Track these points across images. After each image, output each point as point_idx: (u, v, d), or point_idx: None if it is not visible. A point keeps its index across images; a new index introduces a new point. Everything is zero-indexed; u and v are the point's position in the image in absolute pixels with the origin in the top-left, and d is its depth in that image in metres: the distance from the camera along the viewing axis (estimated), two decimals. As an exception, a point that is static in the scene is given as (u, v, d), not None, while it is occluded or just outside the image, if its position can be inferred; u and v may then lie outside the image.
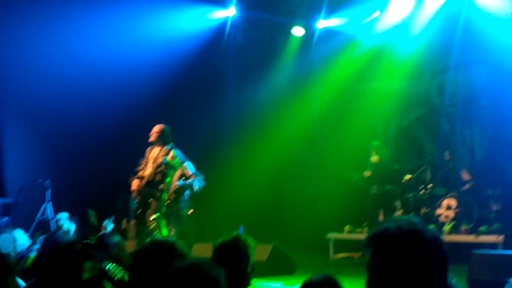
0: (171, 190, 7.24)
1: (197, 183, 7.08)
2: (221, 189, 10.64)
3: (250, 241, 2.90)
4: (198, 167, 8.47)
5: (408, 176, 9.30)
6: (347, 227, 9.50)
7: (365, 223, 9.17)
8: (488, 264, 4.49)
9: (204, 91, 10.69)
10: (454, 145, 9.70)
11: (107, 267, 3.45)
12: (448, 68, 9.85)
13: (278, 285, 5.90)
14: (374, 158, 8.99)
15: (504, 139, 8.75)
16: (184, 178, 6.97)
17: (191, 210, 10.73)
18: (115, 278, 3.27)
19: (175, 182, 7.09)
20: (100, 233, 4.45)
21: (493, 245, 8.06)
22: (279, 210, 11.13)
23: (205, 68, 10.49)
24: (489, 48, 9.03)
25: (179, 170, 6.88)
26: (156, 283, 1.21)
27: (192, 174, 7.02)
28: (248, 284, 2.87)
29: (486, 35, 8.78)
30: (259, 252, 6.67)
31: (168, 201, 6.80)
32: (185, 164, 7.02)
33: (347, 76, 10.31)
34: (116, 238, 3.67)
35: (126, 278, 3.14)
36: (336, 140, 10.32)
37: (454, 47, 9.63)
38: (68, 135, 9.52)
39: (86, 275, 2.89)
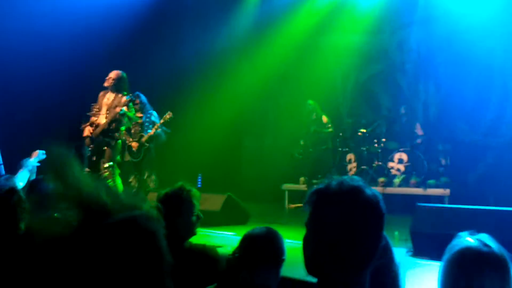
0: (145, 139, 7.26)
1: (163, 133, 7.11)
2: (178, 138, 10.57)
3: (195, 191, 2.92)
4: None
5: (363, 130, 9.49)
6: (302, 179, 9.71)
7: (320, 176, 9.38)
8: (430, 217, 4.68)
9: (162, 36, 10.39)
10: (409, 101, 9.89)
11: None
12: (408, 24, 9.89)
13: (230, 233, 6.01)
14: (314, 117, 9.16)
15: (457, 96, 8.97)
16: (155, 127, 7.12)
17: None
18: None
19: (153, 130, 7.14)
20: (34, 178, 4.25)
21: (440, 198, 8.44)
22: (237, 161, 11.20)
23: (163, 12, 10.16)
24: (448, 6, 9.10)
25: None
26: (91, 237, 1.17)
27: (157, 124, 7.09)
28: (194, 234, 2.90)
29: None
30: (213, 202, 6.76)
31: (140, 148, 6.87)
32: (151, 109, 7.01)
33: (307, 28, 10.20)
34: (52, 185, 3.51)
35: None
36: (294, 94, 10.33)
37: (415, 3, 9.65)
38: (17, 81, 9.13)
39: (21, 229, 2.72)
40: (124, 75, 6.71)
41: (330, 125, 9.30)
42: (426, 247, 4.59)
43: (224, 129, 10.44)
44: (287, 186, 9.86)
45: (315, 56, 10.16)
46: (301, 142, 9.57)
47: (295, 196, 9.56)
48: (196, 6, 10.67)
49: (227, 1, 10.63)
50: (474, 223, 4.51)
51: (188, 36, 10.75)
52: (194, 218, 2.91)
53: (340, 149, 9.73)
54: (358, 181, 1.41)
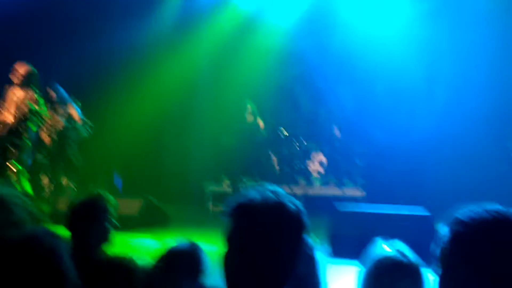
0: (57, 136, 6.76)
1: (84, 128, 6.68)
2: (98, 137, 10.13)
3: (110, 198, 2.82)
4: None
5: (284, 132, 9.62)
6: (226, 181, 9.64)
7: (244, 178, 9.39)
8: (347, 218, 4.81)
9: (87, 27, 9.89)
10: (328, 103, 10.15)
11: None
12: (325, 27, 10.14)
13: (149, 240, 5.83)
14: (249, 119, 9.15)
15: (373, 99, 9.32)
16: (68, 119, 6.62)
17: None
18: None
19: (60, 122, 6.66)
20: None
21: (356, 198, 8.75)
22: (159, 161, 10.92)
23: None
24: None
25: (61, 111, 6.45)
26: None
27: (79, 118, 6.62)
28: (109, 243, 2.78)
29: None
30: (131, 206, 6.52)
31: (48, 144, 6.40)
32: (71, 104, 6.58)
33: (230, 28, 10.18)
34: None
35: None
36: (215, 93, 10.25)
37: (331, 9, 9.91)
38: None
39: None
40: (34, 69, 6.30)
41: (264, 130, 9.30)
42: (344, 248, 4.70)
43: (145, 128, 10.14)
44: (211, 187, 9.77)
45: (238, 56, 10.15)
46: (226, 140, 9.40)
47: (219, 198, 9.50)
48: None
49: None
50: (388, 225, 4.73)
51: (114, 29, 10.29)
52: (109, 227, 2.80)
53: (262, 150, 9.77)
54: (282, 195, 1.37)
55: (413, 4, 8.96)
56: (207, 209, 9.39)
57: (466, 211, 1.18)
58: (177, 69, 10.12)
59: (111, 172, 10.20)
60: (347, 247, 4.72)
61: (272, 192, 1.37)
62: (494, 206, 1.17)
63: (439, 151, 8.54)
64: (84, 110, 7.41)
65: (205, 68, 10.35)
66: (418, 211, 4.91)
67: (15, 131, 6.16)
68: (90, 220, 2.69)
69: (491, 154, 8.26)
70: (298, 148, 9.48)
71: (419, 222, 4.57)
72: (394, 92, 9.24)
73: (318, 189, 8.98)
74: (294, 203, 1.38)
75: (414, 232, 4.51)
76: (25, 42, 8.67)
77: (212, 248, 2.65)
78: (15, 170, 6.08)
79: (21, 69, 6.26)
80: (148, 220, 6.52)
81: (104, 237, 2.80)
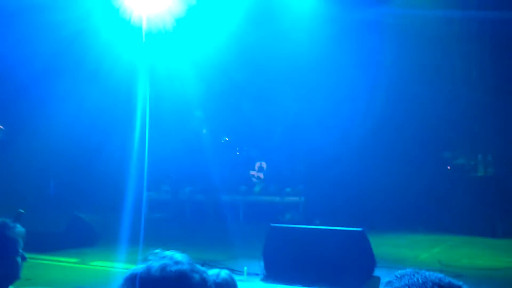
0: None
1: None
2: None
3: (19, 227, 2.49)
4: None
5: (225, 138, 9.42)
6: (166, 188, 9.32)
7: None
8: (282, 237, 4.68)
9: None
10: (267, 109, 9.98)
11: None
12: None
13: (72, 261, 5.42)
14: None
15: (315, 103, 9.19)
16: None
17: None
18: None
19: None
20: None
21: (296, 205, 8.68)
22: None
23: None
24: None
25: None
26: None
27: None
28: (18, 278, 2.46)
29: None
30: (55, 221, 6.08)
31: None
32: None
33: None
34: None
35: None
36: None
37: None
38: None
39: None
40: None
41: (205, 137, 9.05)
42: (278, 268, 4.57)
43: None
44: (150, 195, 9.43)
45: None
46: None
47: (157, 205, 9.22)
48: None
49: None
50: (323, 242, 4.64)
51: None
52: (19, 259, 2.47)
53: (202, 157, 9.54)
54: (183, 263, 1.21)
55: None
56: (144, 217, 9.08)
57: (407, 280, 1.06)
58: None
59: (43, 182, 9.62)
60: (282, 267, 4.59)
61: (172, 261, 1.21)
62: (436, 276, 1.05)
63: (376, 157, 8.59)
64: None
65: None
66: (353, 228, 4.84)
67: None
68: None
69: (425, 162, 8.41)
70: (239, 155, 9.32)
71: (352, 237, 4.51)
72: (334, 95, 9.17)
73: (259, 197, 8.85)
74: (198, 272, 1.23)
75: (347, 247, 4.44)
76: None
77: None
78: None
79: None
80: (74, 238, 6.04)
81: (14, 273, 2.49)
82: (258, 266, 4.67)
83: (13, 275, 2.49)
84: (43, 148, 9.11)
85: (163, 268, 1.18)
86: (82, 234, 6.12)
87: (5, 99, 8.82)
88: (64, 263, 5.30)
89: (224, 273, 2.18)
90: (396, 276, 1.07)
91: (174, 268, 1.19)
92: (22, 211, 4.67)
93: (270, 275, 4.57)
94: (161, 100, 9.02)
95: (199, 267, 1.26)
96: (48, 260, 5.28)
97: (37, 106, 9.16)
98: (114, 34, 7.94)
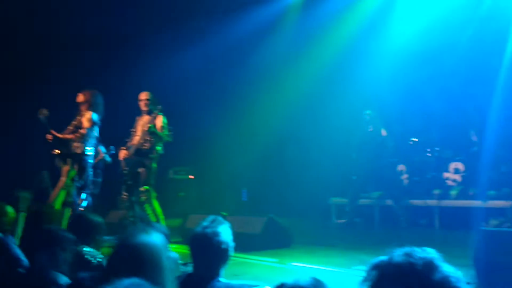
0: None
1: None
2: (221, 154, 10.35)
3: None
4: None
5: (414, 139, 8.93)
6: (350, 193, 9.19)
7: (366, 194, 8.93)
8: (496, 241, 4.15)
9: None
10: (462, 105, 9.18)
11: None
12: (458, 22, 9.17)
13: (271, 260, 5.62)
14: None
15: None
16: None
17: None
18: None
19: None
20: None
21: (502, 210, 7.74)
22: (281, 174, 10.81)
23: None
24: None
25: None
26: None
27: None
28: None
29: None
30: (253, 224, 6.40)
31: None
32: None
33: (352, 33, 9.71)
34: None
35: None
36: (342, 102, 9.79)
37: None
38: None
39: None
40: (152, 95, 6.61)
41: (389, 139, 8.73)
42: (492, 277, 4.05)
43: (266, 141, 10.13)
44: (335, 200, 9.39)
45: (360, 61, 9.66)
46: (354, 156, 9.04)
47: (343, 210, 9.10)
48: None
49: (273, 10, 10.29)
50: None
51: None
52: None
53: (390, 159, 9.16)
54: (430, 253, 1.18)
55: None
56: (330, 223, 9.05)
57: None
58: (300, 79, 9.97)
59: (237, 189, 10.34)
60: (494, 271, 4.06)
61: (419, 251, 1.19)
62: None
63: None
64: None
65: (328, 76, 9.96)
66: None
67: (141, 152, 6.40)
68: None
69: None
70: (431, 156, 8.70)
71: None
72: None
73: (456, 202, 8.13)
74: (447, 265, 1.18)
75: None
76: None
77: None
78: (144, 192, 6.29)
79: (143, 95, 6.57)
80: (270, 240, 6.34)
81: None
82: (468, 274, 4.22)
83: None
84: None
85: (408, 254, 1.17)
86: (278, 236, 6.37)
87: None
88: (265, 262, 5.53)
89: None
90: None
91: (421, 254, 1.17)
92: (225, 214, 4.97)
93: (482, 283, 4.08)
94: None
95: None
96: (251, 259, 5.60)
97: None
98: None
